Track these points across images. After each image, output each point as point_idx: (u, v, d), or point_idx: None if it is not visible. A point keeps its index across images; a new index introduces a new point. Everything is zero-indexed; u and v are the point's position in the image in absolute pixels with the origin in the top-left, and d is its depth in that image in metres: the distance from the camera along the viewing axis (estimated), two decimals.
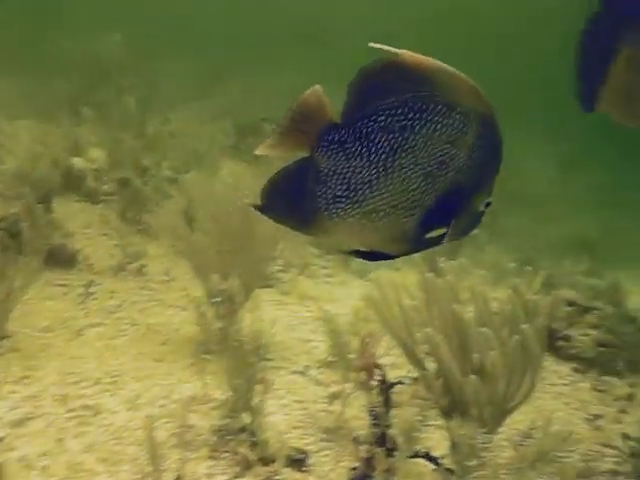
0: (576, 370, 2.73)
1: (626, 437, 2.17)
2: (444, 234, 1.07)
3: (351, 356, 2.20)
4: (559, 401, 2.50)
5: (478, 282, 2.07)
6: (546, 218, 6.51)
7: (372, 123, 0.99)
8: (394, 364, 2.41)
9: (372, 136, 0.99)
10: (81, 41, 6.42)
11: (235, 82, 7.56)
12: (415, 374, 2.08)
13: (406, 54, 0.96)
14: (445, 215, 1.05)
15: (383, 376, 1.92)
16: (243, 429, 1.84)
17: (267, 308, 3.05)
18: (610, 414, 2.41)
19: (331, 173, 1.01)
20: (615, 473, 2.00)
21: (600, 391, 2.59)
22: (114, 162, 4.25)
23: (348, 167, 1.00)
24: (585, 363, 2.76)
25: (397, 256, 1.10)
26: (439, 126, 0.99)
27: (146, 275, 3.22)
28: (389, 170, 1.00)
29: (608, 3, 2.98)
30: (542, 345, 1.89)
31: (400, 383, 1.85)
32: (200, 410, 2.03)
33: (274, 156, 1.03)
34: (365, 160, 1.00)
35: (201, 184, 2.91)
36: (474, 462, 1.83)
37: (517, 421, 2.21)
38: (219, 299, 2.53)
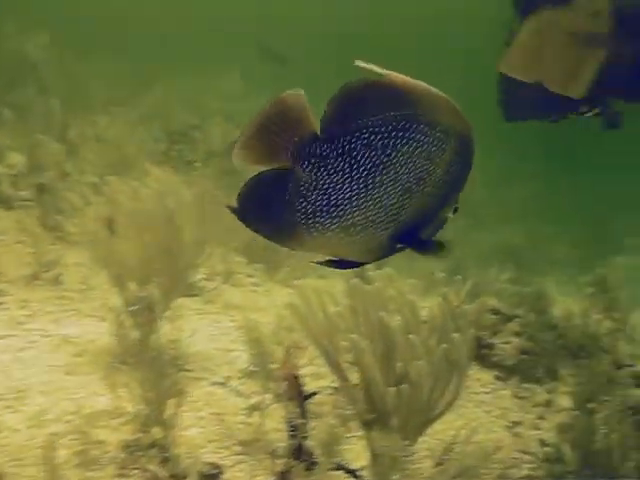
0: (498, 378, 2.75)
1: (542, 443, 2.19)
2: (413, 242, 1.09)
3: (273, 366, 2.15)
4: (481, 409, 2.52)
5: (407, 290, 2.05)
6: (478, 227, 6.63)
7: (355, 140, 0.98)
8: (317, 374, 2.38)
9: (355, 153, 0.99)
10: (7, 40, 6.17)
11: (167, 86, 7.41)
12: (337, 384, 2.05)
13: (392, 74, 0.96)
14: (419, 226, 1.07)
15: (302, 387, 1.87)
16: (154, 444, 1.76)
17: (189, 317, 2.96)
18: (529, 421, 2.44)
19: (311, 187, 0.99)
20: (530, 479, 2.02)
21: (520, 398, 2.62)
22: (34, 167, 4.07)
23: (329, 182, 0.99)
24: (507, 371, 2.79)
25: (366, 263, 1.11)
26: (420, 144, 1.01)
27: (63, 284, 3.08)
28: (370, 186, 1.00)
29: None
30: (470, 354, 1.89)
31: (314, 394, 1.81)
32: (110, 425, 1.93)
33: (246, 166, 0.98)
34: (347, 176, 0.99)
35: (125, 189, 2.81)
36: (395, 474, 1.81)
37: (439, 431, 2.20)
38: (137, 307, 2.43)
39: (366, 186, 1.00)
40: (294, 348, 2.06)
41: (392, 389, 1.98)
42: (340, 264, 1.09)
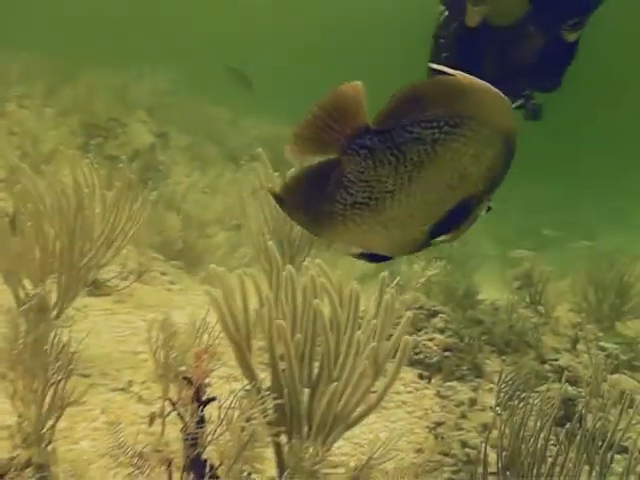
0: (421, 376, 2.65)
1: (464, 444, 2.09)
2: (445, 238, 1.09)
3: (182, 369, 1.97)
4: (402, 410, 2.40)
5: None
6: None
7: (405, 133, 0.96)
8: (231, 376, 2.23)
9: (403, 146, 0.97)
10: None
11: (86, 80, 7.07)
12: (251, 386, 1.89)
13: (460, 74, 0.95)
14: (454, 223, 1.07)
15: (201, 392, 1.71)
16: (31, 463, 1.56)
17: (95, 318, 2.74)
18: (451, 421, 2.34)
19: (355, 180, 0.98)
20: None
21: (443, 397, 2.52)
22: None
23: (374, 175, 0.97)
24: (430, 369, 2.68)
25: (397, 257, 1.11)
26: (468, 141, 0.99)
27: None
28: (414, 181, 0.98)
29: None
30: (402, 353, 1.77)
31: (213, 399, 1.64)
32: None
33: (298, 161, 0.97)
34: (393, 169, 0.97)
35: (33, 184, 2.58)
36: None
37: (357, 434, 2.07)
38: (31, 307, 2.20)
39: (410, 180, 0.98)
40: (204, 350, 1.90)
41: (307, 390, 1.85)
42: (372, 257, 1.07)
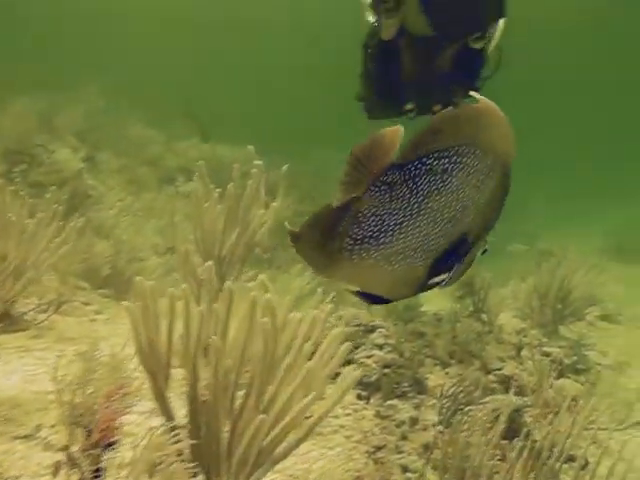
0: (360, 397, 2.51)
1: (404, 469, 1.96)
2: (443, 279, 1.07)
3: (95, 409, 1.79)
4: (340, 435, 2.26)
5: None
6: None
7: (420, 165, 0.97)
8: (155, 411, 2.04)
9: (417, 179, 0.97)
10: None
11: (10, 104, 6.77)
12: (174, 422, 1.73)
13: (484, 100, 0.96)
14: (453, 260, 1.05)
15: (111, 436, 1.54)
16: None
17: (8, 357, 2.52)
18: (392, 443, 2.21)
19: (370, 215, 0.98)
20: None
21: (383, 418, 2.39)
22: None
23: (388, 208, 0.98)
24: (369, 388, 2.55)
25: (395, 300, 1.09)
26: (472, 170, 0.99)
27: None
28: (421, 212, 0.99)
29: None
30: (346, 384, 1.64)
31: (114, 443, 1.47)
32: None
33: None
34: (405, 202, 0.98)
35: None
36: None
37: (289, 466, 1.92)
38: None
39: (418, 212, 0.98)
40: (119, 387, 1.73)
41: (225, 425, 1.70)
42: (372, 298, 1.06)
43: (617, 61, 21.58)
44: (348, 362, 2.62)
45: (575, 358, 3.70)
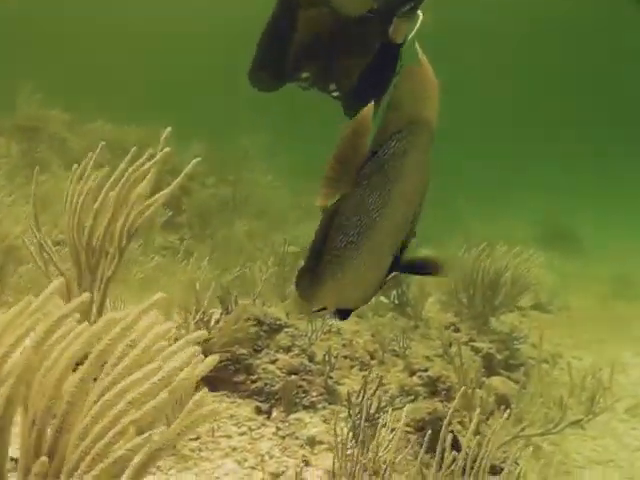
0: (259, 410, 2.10)
1: None
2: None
3: None
4: (231, 459, 1.85)
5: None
6: (272, 227, 6.14)
7: (387, 149, 0.93)
8: None
9: (386, 165, 0.93)
10: None
11: None
12: None
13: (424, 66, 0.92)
14: (400, 255, 0.99)
15: None
16: None
17: None
18: (292, 468, 1.82)
19: (350, 215, 0.93)
20: None
21: (285, 436, 1.99)
22: None
23: (365, 204, 0.93)
24: (271, 399, 2.15)
25: (362, 304, 1.04)
26: (419, 147, 0.94)
27: None
28: (389, 202, 0.93)
29: None
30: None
31: None
32: None
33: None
34: (377, 194, 0.93)
35: None
36: None
37: None
38: None
39: (388, 200, 0.93)
40: None
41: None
42: (343, 313, 1.03)
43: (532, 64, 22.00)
44: (246, 370, 2.21)
45: (507, 353, 3.41)
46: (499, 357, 3.40)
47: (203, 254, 5.29)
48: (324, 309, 1.02)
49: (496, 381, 3.07)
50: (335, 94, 2.81)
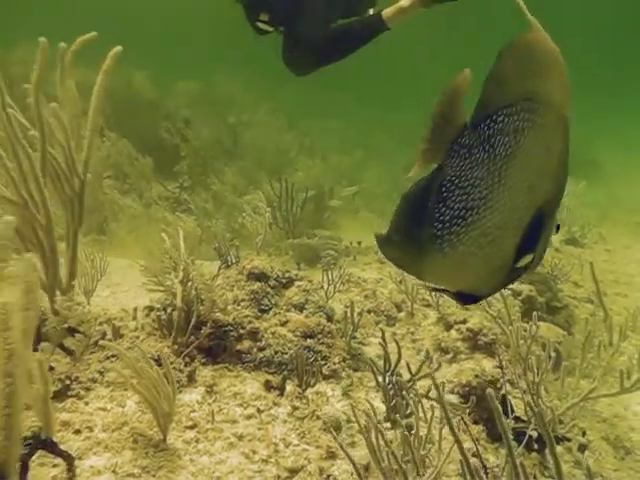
0: (269, 386, 1.70)
1: None
2: (529, 263, 0.89)
3: None
4: (237, 451, 1.46)
5: None
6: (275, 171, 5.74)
7: (493, 124, 0.85)
8: None
9: (492, 140, 0.85)
10: None
11: None
12: None
13: (542, 35, 0.83)
14: (534, 239, 0.89)
15: None
16: None
17: None
18: (315, 462, 1.43)
19: (454, 188, 0.86)
20: None
21: (302, 418, 1.60)
22: None
23: (470, 179, 0.86)
24: (283, 370, 1.75)
25: (486, 296, 0.94)
26: (542, 129, 0.84)
27: None
28: (502, 181, 0.85)
29: None
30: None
31: None
32: None
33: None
34: (486, 169, 0.85)
35: None
36: None
37: None
38: None
39: (499, 180, 0.85)
40: None
41: None
42: (466, 298, 0.92)
43: None
44: (251, 335, 1.81)
45: (549, 294, 3.00)
46: (540, 300, 2.99)
47: (200, 203, 4.88)
48: (444, 290, 0.92)
49: (542, 328, 2.67)
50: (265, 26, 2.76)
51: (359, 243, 3.34)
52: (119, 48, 1.58)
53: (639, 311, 3.36)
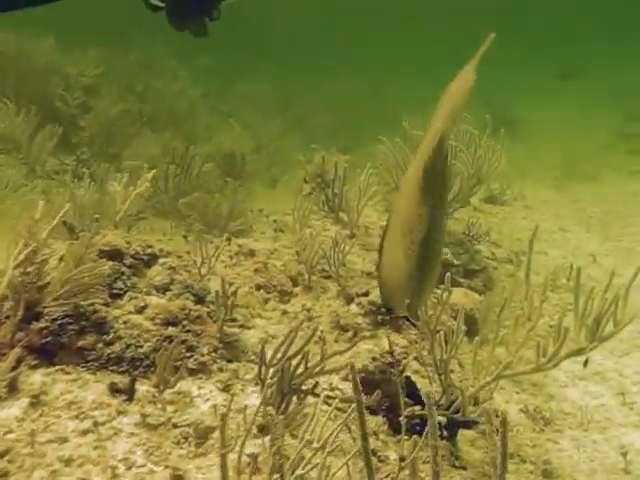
0: (116, 389, 1.38)
1: None
2: None
3: None
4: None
5: None
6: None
7: None
8: None
9: None
10: None
11: None
12: None
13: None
14: None
15: None
16: None
17: None
18: None
19: None
20: None
21: (156, 426, 1.28)
22: None
23: None
24: (136, 367, 1.43)
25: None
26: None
27: None
28: None
29: None
30: None
31: None
32: None
33: None
34: None
35: None
36: None
37: None
38: None
39: None
40: None
41: None
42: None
43: None
44: (96, 327, 1.47)
45: (466, 256, 2.77)
46: (457, 263, 2.76)
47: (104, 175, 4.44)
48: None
49: (457, 294, 2.44)
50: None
51: (260, 210, 3.01)
52: None
53: (559, 270, 3.19)
